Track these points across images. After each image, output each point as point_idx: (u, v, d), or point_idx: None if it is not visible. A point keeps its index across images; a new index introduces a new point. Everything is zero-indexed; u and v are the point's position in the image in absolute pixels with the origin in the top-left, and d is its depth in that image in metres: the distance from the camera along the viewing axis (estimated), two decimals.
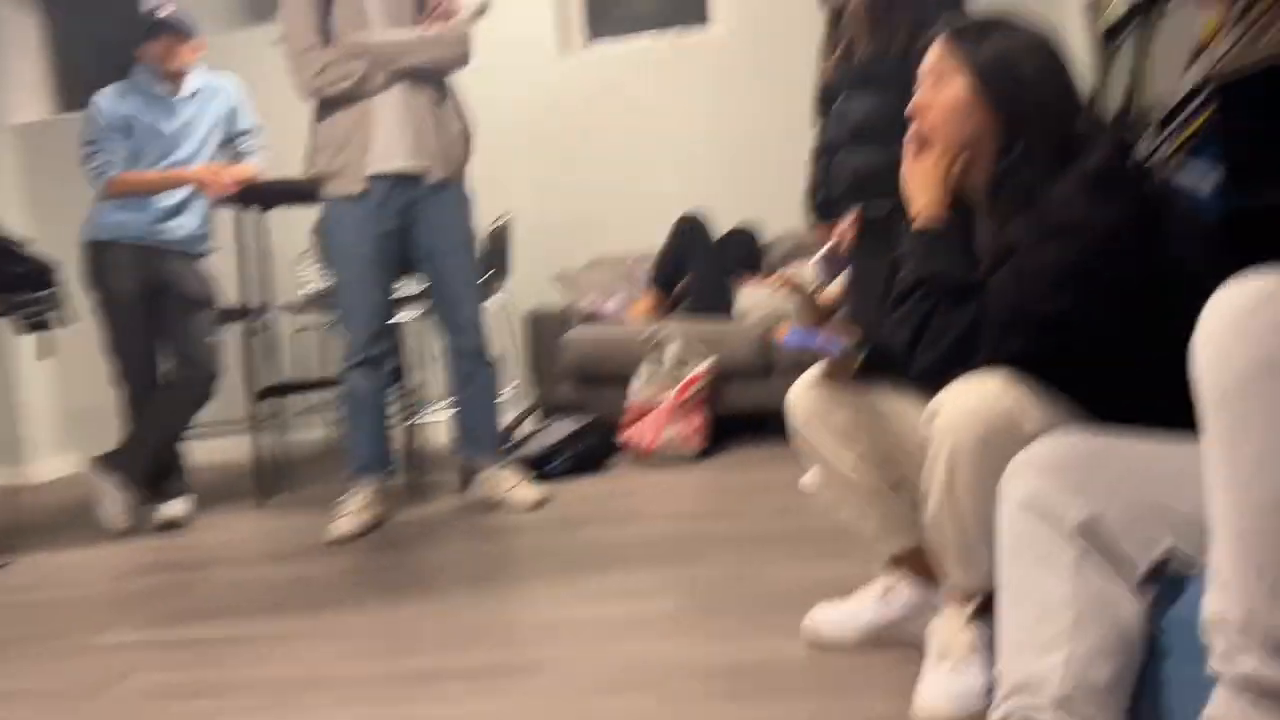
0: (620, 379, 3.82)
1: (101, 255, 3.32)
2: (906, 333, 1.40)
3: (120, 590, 2.65)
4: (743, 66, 4.50)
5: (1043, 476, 1.14)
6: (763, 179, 4.48)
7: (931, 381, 1.39)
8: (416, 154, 2.96)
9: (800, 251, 4.33)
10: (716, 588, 2.13)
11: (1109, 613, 1.06)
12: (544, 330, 4.11)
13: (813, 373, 1.70)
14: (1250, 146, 2.46)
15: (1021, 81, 1.44)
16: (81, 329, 3.36)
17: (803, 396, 1.68)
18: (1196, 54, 2.81)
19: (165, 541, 3.18)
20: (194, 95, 3.45)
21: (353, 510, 2.99)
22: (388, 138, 2.94)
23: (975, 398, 1.31)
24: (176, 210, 3.39)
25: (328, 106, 2.97)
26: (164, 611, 2.39)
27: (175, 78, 3.40)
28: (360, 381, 3.02)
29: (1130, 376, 1.36)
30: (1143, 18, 3.24)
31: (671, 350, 3.73)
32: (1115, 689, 1.04)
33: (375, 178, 2.94)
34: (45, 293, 3.01)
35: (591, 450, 3.61)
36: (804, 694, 1.58)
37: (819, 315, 3.82)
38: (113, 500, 3.32)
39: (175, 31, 3.35)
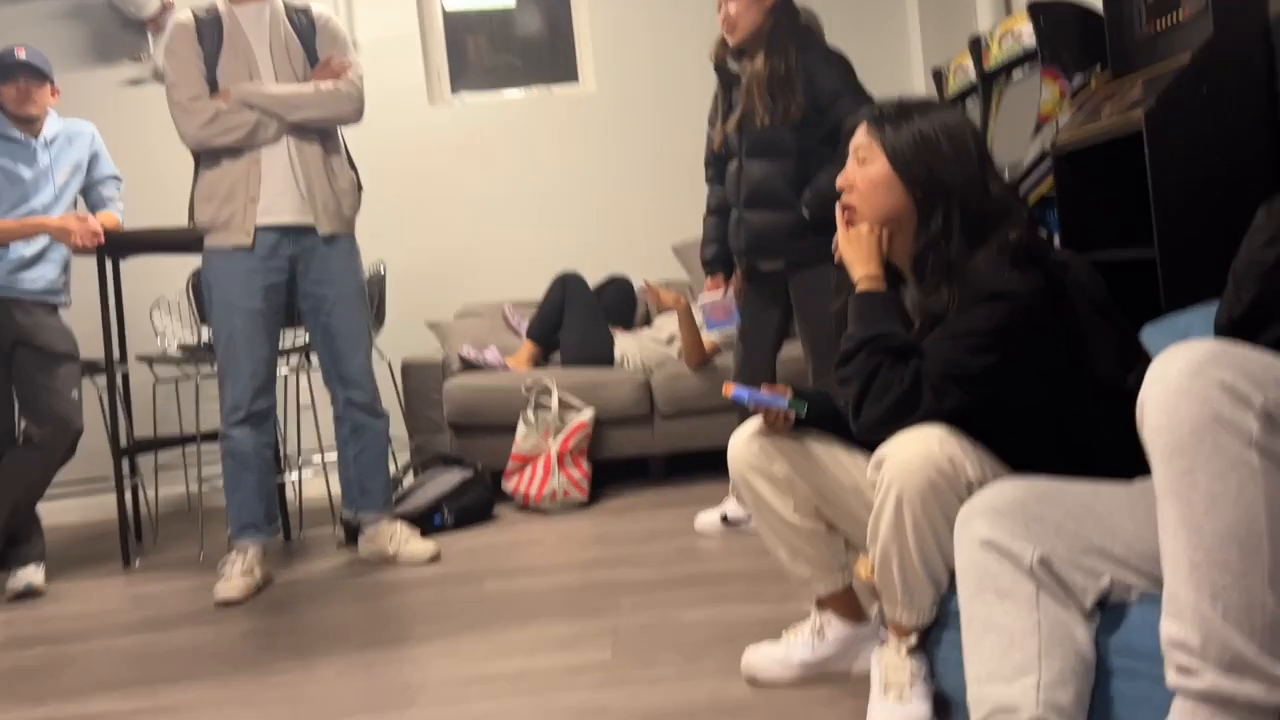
0: (501, 428, 3.84)
1: None
2: (853, 389, 1.53)
3: (17, 661, 2.46)
4: (609, 121, 4.65)
5: (998, 519, 1.27)
6: (629, 230, 4.64)
7: (875, 433, 1.52)
8: (306, 206, 2.92)
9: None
10: (641, 635, 2.19)
11: (1068, 639, 1.19)
12: (419, 380, 4.08)
13: (750, 424, 1.80)
14: (1084, 211, 2.78)
15: (936, 163, 1.60)
16: None
17: (743, 447, 1.78)
18: (1039, 126, 3.14)
19: (23, 612, 2.97)
20: (53, 140, 3.29)
21: (239, 572, 2.89)
22: (277, 190, 2.90)
23: (920, 447, 1.44)
24: (34, 260, 3.22)
25: (213, 156, 2.91)
26: (45, 689, 2.24)
27: (31, 122, 3.24)
28: (244, 439, 2.94)
29: (1047, 426, 1.53)
30: (986, 88, 3.57)
31: (554, 399, 3.78)
32: (1078, 708, 1.18)
33: (263, 229, 2.89)
34: None
35: (477, 502, 3.60)
36: None
37: (701, 355, 3.98)
38: None
39: (33, 73, 3.20)
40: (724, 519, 3.03)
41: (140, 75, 4.51)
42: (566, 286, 4.14)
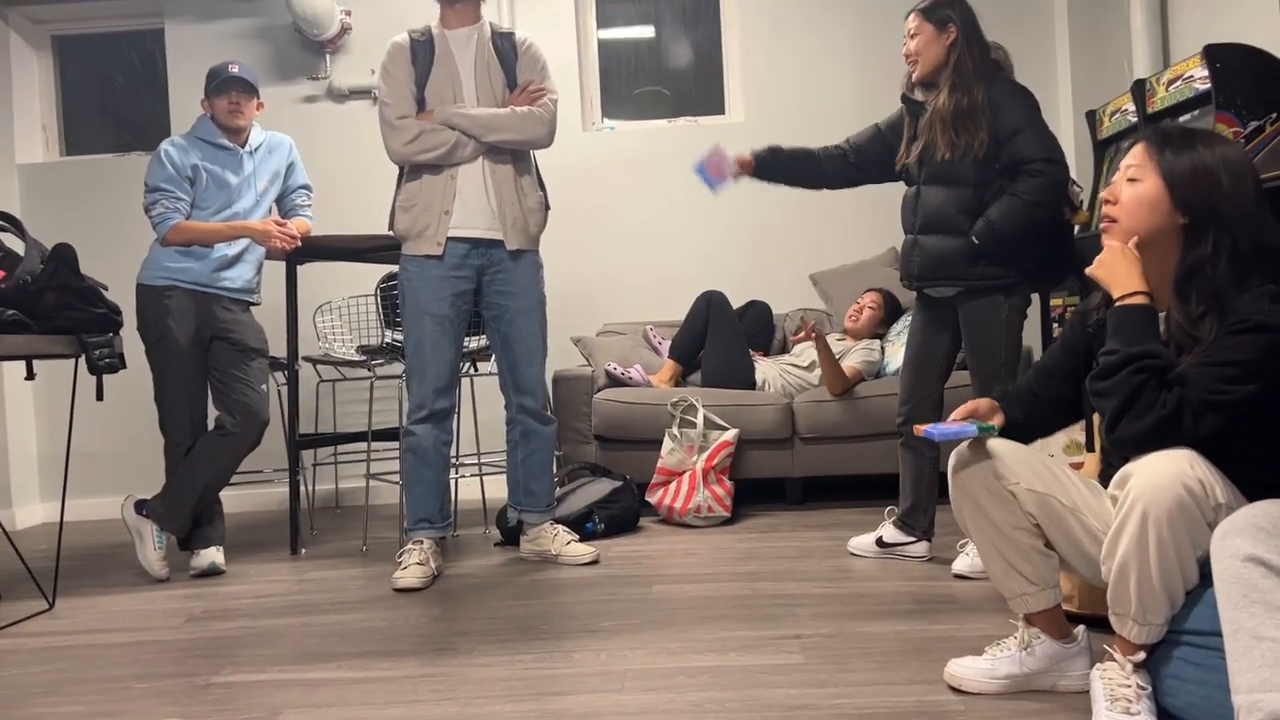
0: (645, 443, 3.96)
1: (160, 299, 3.34)
2: (1114, 403, 1.59)
3: (202, 632, 2.64)
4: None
5: (1262, 536, 1.33)
6: (768, 258, 4.74)
7: (1129, 449, 1.59)
8: (496, 222, 3.10)
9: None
10: (828, 643, 2.26)
11: None
12: (568, 392, 4.22)
13: (965, 448, 1.88)
14: None
15: (1214, 193, 1.66)
16: (61, 375, 3.33)
17: (964, 465, 1.85)
18: None
19: (210, 588, 3.17)
20: (256, 149, 3.53)
21: (415, 561, 3.05)
22: (470, 205, 3.08)
23: (1171, 466, 1.51)
24: (235, 260, 3.45)
25: (414, 170, 3.09)
26: (277, 654, 2.41)
27: (239, 132, 3.47)
28: (426, 435, 3.10)
29: None
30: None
31: (700, 417, 3.89)
32: None
33: (454, 240, 3.06)
34: (114, 335, 3.01)
35: (625, 511, 3.73)
36: None
37: (842, 381, 4.05)
38: (154, 545, 3.30)
39: (244, 88, 3.43)
40: (879, 542, 3.09)
41: (316, 93, 4.79)
42: (711, 304, 4.25)
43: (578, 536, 3.34)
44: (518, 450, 3.27)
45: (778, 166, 3.15)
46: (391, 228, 3.14)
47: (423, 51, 3.09)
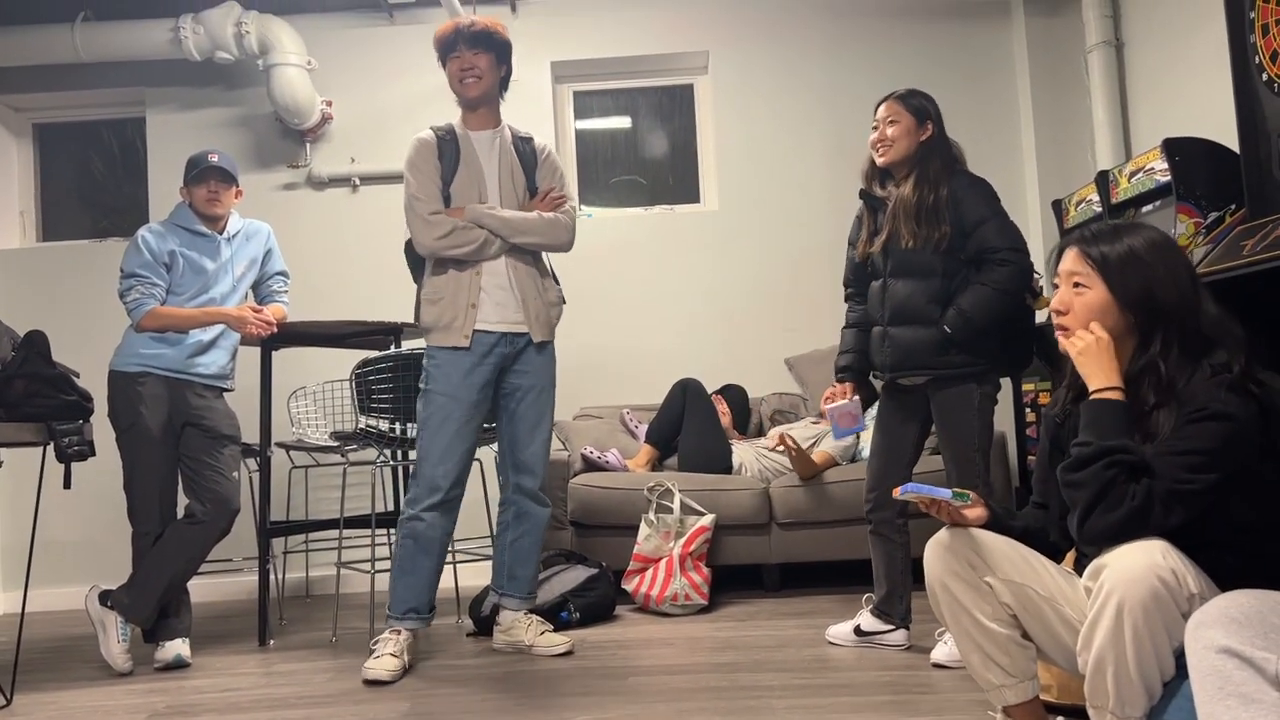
0: (622, 528, 3.93)
1: (131, 385, 3.31)
2: (1084, 495, 1.60)
3: None
4: (729, 239, 4.85)
5: (1235, 627, 1.33)
6: (744, 342, 4.78)
7: (1099, 542, 1.59)
8: (520, 315, 3.15)
9: (787, 410, 4.60)
10: None
11: None
12: None
13: (943, 534, 1.88)
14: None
15: (1152, 283, 1.70)
16: (28, 462, 3.29)
17: (940, 557, 1.85)
18: None
19: (174, 682, 3.08)
20: (234, 236, 3.55)
21: (390, 652, 2.98)
22: (495, 300, 3.13)
23: (1144, 557, 1.51)
24: (209, 345, 3.44)
25: (440, 265, 3.14)
26: None
27: (217, 219, 3.50)
28: (434, 523, 3.06)
29: (1252, 545, 1.60)
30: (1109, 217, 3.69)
31: (676, 502, 3.87)
32: None
33: (480, 332, 3.10)
34: (84, 423, 2.99)
35: (601, 600, 3.68)
36: None
37: (811, 468, 4.07)
38: (117, 637, 3.22)
39: (223, 177, 3.47)
40: (857, 630, 3.06)
41: (296, 180, 4.84)
42: (687, 392, 4.27)
43: (552, 626, 3.28)
44: (509, 532, 3.23)
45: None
46: (417, 319, 3.18)
47: (448, 149, 3.15)
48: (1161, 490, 1.55)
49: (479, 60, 3.12)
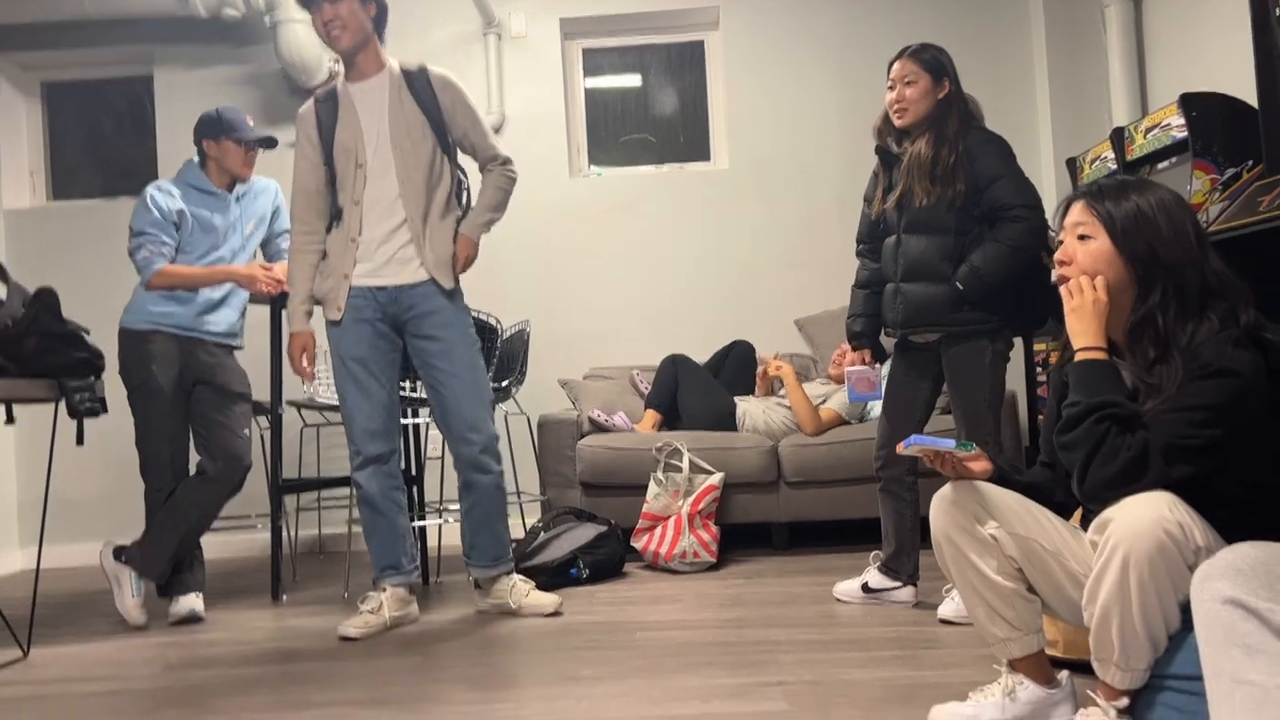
0: (631, 488, 3.95)
1: (142, 344, 3.33)
2: (1080, 453, 1.60)
3: (178, 681, 2.59)
4: (740, 198, 4.81)
5: (1240, 578, 1.33)
6: (754, 303, 4.76)
7: (1100, 496, 1.59)
8: (409, 266, 3.04)
9: (797, 370, 4.58)
10: (812, 691, 2.24)
11: None
12: (553, 436, 4.20)
13: (948, 488, 1.87)
14: None
15: (1155, 240, 1.69)
16: (41, 420, 3.30)
17: (945, 510, 1.85)
18: None
19: (188, 636, 3.12)
20: (243, 194, 3.54)
21: (367, 610, 3.02)
22: (378, 255, 3.04)
23: (1151, 510, 1.51)
24: (219, 304, 3.45)
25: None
26: (254, 703, 2.37)
27: (235, 182, 3.49)
28: (368, 483, 3.06)
29: (1260, 500, 1.59)
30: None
31: (685, 461, 3.88)
32: None
33: (361, 288, 3.04)
34: (96, 380, 3.00)
35: (611, 557, 3.70)
36: None
37: (815, 423, 4.08)
38: (131, 592, 3.26)
39: (262, 146, 3.47)
40: (865, 588, 3.07)
41: None
42: (677, 363, 4.26)
43: (535, 585, 3.23)
44: (463, 502, 3.17)
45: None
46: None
47: (327, 112, 3.06)
48: (1162, 443, 1.54)
49: (339, 9, 2.94)
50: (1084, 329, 1.70)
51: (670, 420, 4.26)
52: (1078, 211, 1.77)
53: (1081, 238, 1.75)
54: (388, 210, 3.03)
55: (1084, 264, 1.74)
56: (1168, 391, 1.60)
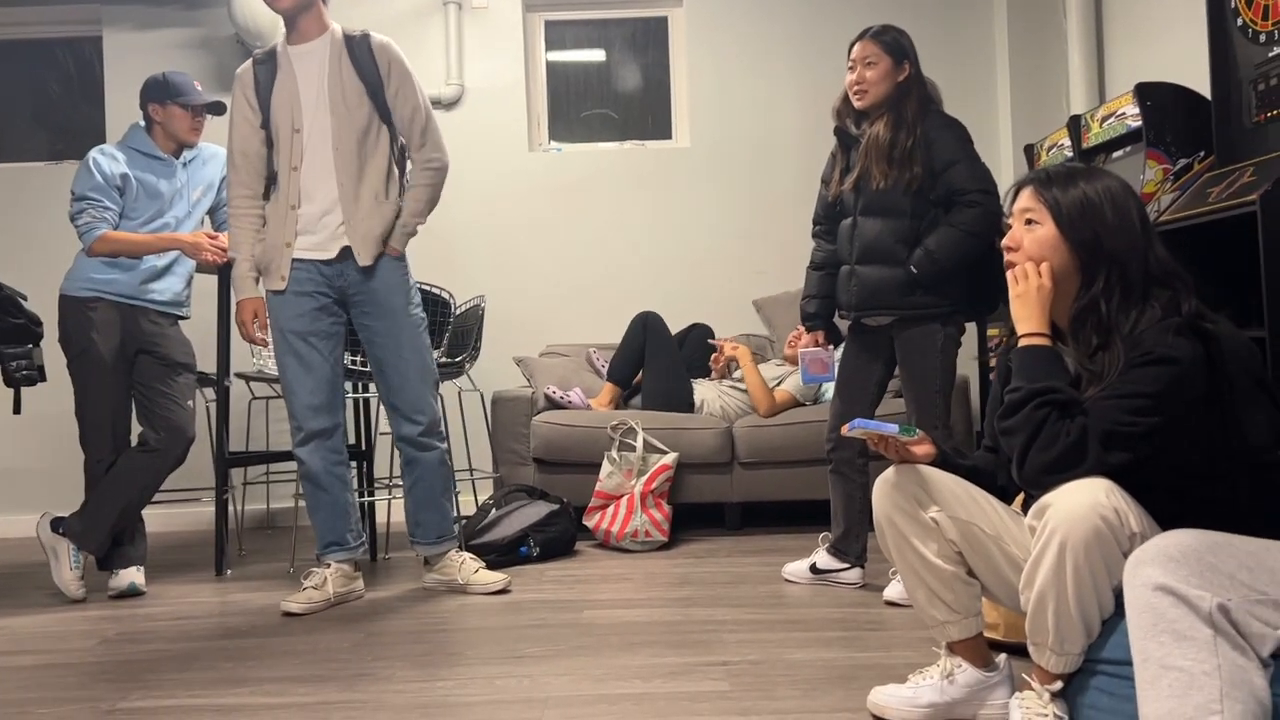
0: (584, 466, 3.93)
1: (83, 311, 3.24)
2: (1019, 439, 1.60)
3: (114, 655, 2.54)
4: (700, 176, 4.79)
5: (1172, 565, 1.34)
6: (712, 283, 4.75)
7: (1039, 481, 1.59)
8: (341, 240, 2.98)
9: (754, 351, 4.58)
10: (753, 670, 2.24)
11: (1247, 685, 1.25)
12: (506, 413, 4.17)
13: (891, 471, 1.87)
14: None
15: (1101, 228, 1.69)
16: None
17: (887, 494, 1.85)
18: None
19: (127, 610, 3.06)
20: (190, 160, 3.46)
21: (311, 586, 2.99)
22: (315, 228, 2.99)
23: (1087, 496, 1.51)
24: (163, 272, 3.37)
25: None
26: (190, 678, 2.32)
27: (182, 148, 3.41)
28: (310, 458, 3.02)
29: (1196, 487, 1.60)
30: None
31: (639, 440, 3.86)
32: None
33: (301, 262, 2.99)
34: (34, 347, 2.92)
35: (561, 535, 3.68)
36: None
37: (769, 403, 4.09)
38: (70, 565, 3.20)
39: (215, 110, 3.39)
40: (813, 569, 3.08)
41: None
42: (648, 326, 4.22)
43: (484, 564, 3.21)
44: (406, 479, 3.14)
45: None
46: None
47: (265, 74, 2.99)
48: (1100, 429, 1.55)
49: None
50: (1027, 315, 1.70)
51: (628, 393, 4.25)
52: (1025, 198, 1.77)
53: (1028, 223, 1.75)
54: (326, 178, 2.96)
55: (1030, 250, 1.74)
56: (1109, 378, 1.60)
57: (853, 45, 2.89)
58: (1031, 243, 1.74)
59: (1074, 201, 1.72)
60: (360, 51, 2.98)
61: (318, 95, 2.97)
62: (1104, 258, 1.68)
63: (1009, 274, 1.75)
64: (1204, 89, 3.07)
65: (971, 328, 3.65)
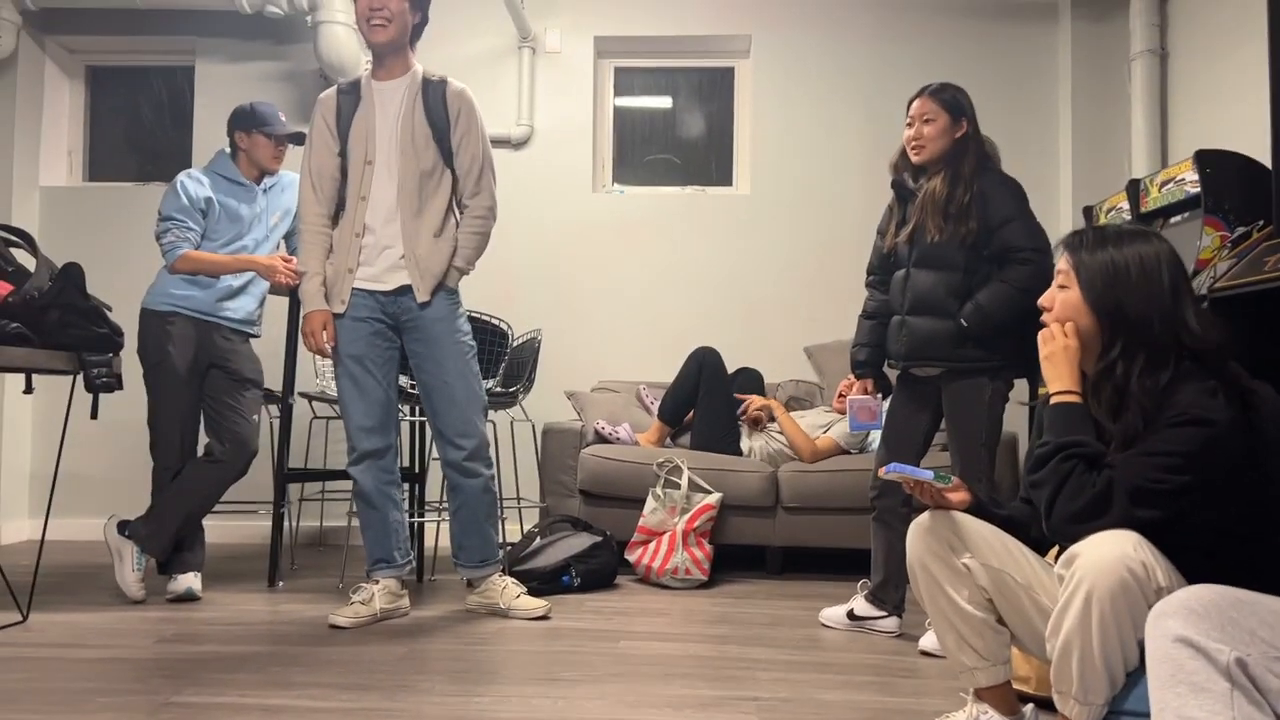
0: (629, 500, 3.99)
1: (161, 324, 3.41)
2: (1047, 490, 1.64)
3: (169, 653, 2.66)
4: (758, 224, 4.87)
5: (1193, 618, 1.36)
6: (765, 328, 4.81)
7: (1067, 532, 1.62)
8: (403, 273, 3.09)
9: (802, 397, 4.62)
10: (784, 708, 2.27)
11: None
12: (556, 444, 4.26)
13: (925, 517, 1.91)
14: (1238, 356, 2.85)
15: (1124, 293, 1.72)
16: (59, 395, 3.36)
17: (921, 538, 1.89)
18: (1195, 270, 3.22)
19: (184, 613, 3.18)
20: (271, 186, 3.63)
21: (358, 601, 3.09)
22: (374, 259, 3.10)
23: (1115, 548, 1.54)
24: (239, 291, 3.53)
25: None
26: (240, 679, 2.42)
27: (263, 175, 3.58)
28: (363, 477, 3.13)
29: (1227, 548, 1.62)
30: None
31: (684, 478, 3.92)
32: None
33: (362, 292, 3.10)
34: (114, 356, 3.08)
35: (603, 567, 3.74)
36: None
37: (811, 450, 4.11)
38: (132, 566, 3.33)
39: (293, 142, 3.57)
40: (850, 615, 3.10)
41: None
42: (704, 365, 4.28)
43: (526, 590, 3.28)
44: (451, 503, 3.23)
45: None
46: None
47: (348, 104, 3.13)
48: (1129, 484, 1.58)
49: (390, 1, 3.00)
50: (1057, 374, 1.75)
51: (676, 431, 4.30)
52: (1060, 260, 1.82)
53: (1061, 286, 1.80)
54: (389, 213, 3.09)
55: (1058, 312, 1.79)
56: (1130, 440, 1.64)
57: (911, 101, 2.96)
58: (1060, 305, 1.78)
59: (1099, 266, 1.75)
60: (434, 96, 3.11)
61: (392, 132, 3.10)
62: (1125, 323, 1.71)
63: (1039, 334, 1.80)
64: (1265, 158, 3.09)
65: (1022, 384, 3.66)
